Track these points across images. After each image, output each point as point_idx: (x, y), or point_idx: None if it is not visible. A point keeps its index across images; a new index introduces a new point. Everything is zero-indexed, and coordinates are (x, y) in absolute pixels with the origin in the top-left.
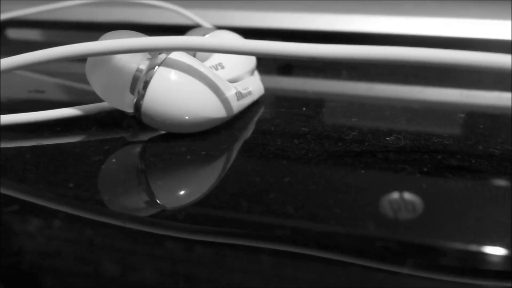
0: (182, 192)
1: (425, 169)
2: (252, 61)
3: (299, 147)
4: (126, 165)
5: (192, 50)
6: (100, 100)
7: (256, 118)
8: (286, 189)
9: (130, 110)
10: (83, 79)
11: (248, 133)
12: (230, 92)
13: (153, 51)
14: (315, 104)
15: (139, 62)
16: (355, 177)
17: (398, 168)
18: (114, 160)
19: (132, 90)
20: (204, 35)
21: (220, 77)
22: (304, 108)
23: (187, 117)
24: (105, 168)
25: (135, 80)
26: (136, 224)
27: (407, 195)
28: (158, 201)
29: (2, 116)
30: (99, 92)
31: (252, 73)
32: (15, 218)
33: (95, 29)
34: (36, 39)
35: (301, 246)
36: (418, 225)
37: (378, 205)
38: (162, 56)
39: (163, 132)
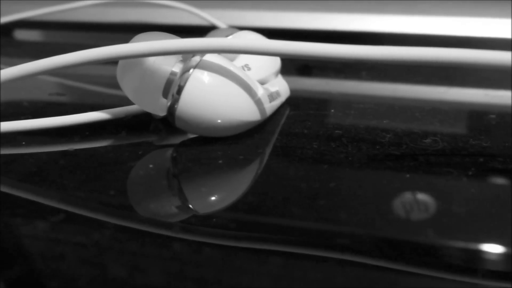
0: (229, 199)
1: (470, 173)
2: (277, 62)
3: (337, 151)
4: (164, 171)
5: (231, 53)
6: (127, 103)
7: (285, 121)
8: (335, 195)
9: (161, 113)
10: (100, 81)
11: (281, 136)
12: (263, 94)
13: (188, 53)
14: (343, 105)
15: (172, 65)
16: (401, 181)
17: (443, 172)
18: (151, 166)
19: (165, 94)
20: (227, 36)
21: (252, 79)
22: (332, 110)
23: (223, 121)
24: (143, 174)
25: (168, 83)
26: (192, 235)
27: (459, 201)
28: (194, 208)
29: (29, 120)
30: (130, 95)
31: (277, 74)
32: (63, 228)
33: (106, 30)
34: (45, 41)
35: (364, 255)
36: (478, 231)
37: (433, 211)
38: (197, 58)
39: (193, 135)
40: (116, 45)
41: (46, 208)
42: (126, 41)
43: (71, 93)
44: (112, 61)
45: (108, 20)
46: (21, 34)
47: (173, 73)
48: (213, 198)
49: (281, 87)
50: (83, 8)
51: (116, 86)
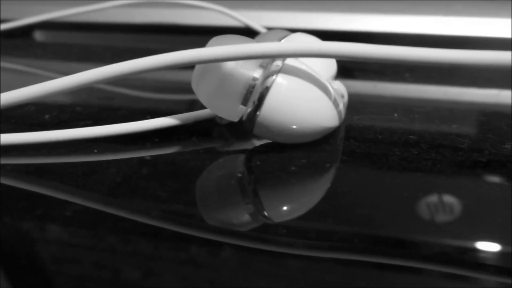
0: (337, 212)
1: None
2: (334, 64)
3: (421, 158)
4: (258, 181)
5: (319, 57)
6: (177, 107)
7: (353, 126)
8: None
9: (235, 119)
10: (144, 85)
11: (358, 142)
12: (338, 98)
13: (270, 58)
14: (403, 109)
15: (253, 70)
16: (504, 191)
17: None
18: (239, 175)
19: (245, 100)
20: (280, 39)
21: (328, 83)
22: (395, 114)
23: (306, 128)
24: (235, 184)
25: (250, 89)
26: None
27: None
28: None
29: (99, 127)
30: (204, 100)
31: (333, 77)
32: (171, 245)
33: (131, 31)
34: (67, 42)
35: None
36: None
37: None
38: (279, 63)
39: (264, 141)
40: (197, 49)
41: (149, 226)
42: (156, 42)
43: (119, 97)
44: None
45: (135, 21)
46: (40, 35)
47: (254, 79)
48: (316, 209)
49: (343, 90)
50: (109, 8)
51: (160, 89)
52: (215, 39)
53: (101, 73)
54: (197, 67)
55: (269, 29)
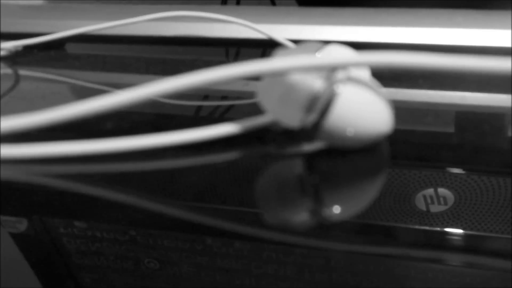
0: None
1: None
2: (368, 72)
3: (481, 160)
4: (328, 184)
5: (381, 67)
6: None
7: (396, 129)
8: None
9: (297, 126)
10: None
11: (409, 146)
12: (389, 103)
13: (336, 68)
14: (435, 114)
15: (318, 80)
16: None
17: None
18: (314, 181)
19: (310, 108)
20: (316, 51)
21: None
22: (430, 118)
23: (368, 133)
24: (311, 189)
25: (315, 98)
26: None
27: None
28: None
29: (169, 134)
30: (270, 108)
31: None
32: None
33: (158, 43)
34: (96, 53)
35: None
36: None
37: None
38: (343, 73)
39: (324, 145)
40: (263, 61)
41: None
42: (183, 53)
43: (167, 105)
44: None
45: (163, 34)
46: (71, 48)
47: (319, 88)
48: (389, 212)
49: None
50: (138, 23)
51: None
52: (280, 51)
53: (173, 85)
54: (265, 78)
55: (293, 41)
